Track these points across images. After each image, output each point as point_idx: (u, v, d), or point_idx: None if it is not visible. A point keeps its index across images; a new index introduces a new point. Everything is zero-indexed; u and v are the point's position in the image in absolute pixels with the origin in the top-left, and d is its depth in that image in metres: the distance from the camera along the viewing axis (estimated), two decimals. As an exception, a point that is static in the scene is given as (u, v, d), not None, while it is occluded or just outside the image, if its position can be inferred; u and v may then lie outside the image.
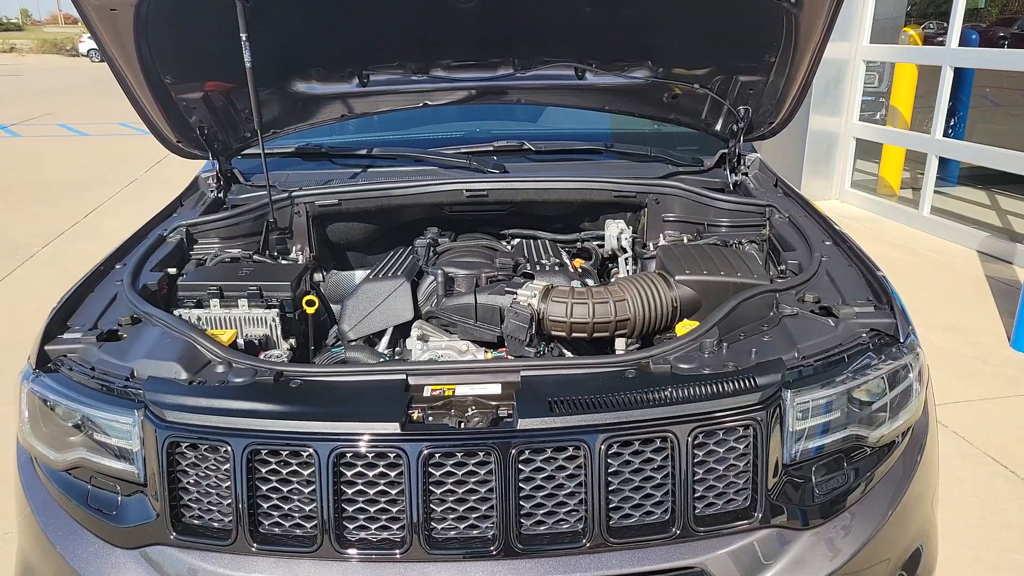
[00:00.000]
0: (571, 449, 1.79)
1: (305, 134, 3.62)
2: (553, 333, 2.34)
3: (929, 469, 2.17)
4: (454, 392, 1.95)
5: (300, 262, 2.93)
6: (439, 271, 2.49)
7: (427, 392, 1.95)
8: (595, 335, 2.33)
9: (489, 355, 2.37)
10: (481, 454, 1.78)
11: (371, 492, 1.81)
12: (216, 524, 1.86)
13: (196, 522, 1.88)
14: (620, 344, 2.34)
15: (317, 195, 3.00)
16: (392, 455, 1.79)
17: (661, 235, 3.04)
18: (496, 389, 1.96)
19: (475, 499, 1.80)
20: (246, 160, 3.39)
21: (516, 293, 2.34)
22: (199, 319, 2.48)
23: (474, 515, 1.81)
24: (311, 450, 1.79)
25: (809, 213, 2.85)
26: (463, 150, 3.25)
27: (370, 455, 1.80)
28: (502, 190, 3.01)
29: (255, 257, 2.80)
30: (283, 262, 2.85)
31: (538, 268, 2.59)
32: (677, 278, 2.37)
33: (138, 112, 2.87)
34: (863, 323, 2.12)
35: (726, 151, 3.21)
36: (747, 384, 1.88)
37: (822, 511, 1.92)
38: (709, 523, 1.84)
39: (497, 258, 2.64)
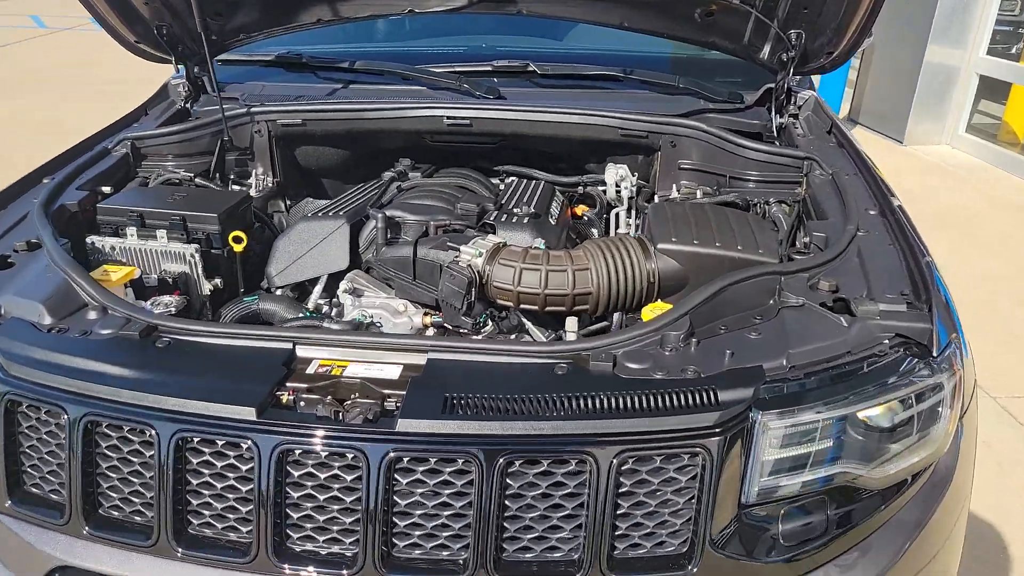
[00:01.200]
0: (461, 462, 1.42)
1: (291, 41, 3.24)
2: (499, 302, 1.93)
3: (951, 520, 1.70)
4: (343, 372, 1.59)
5: (259, 188, 2.59)
6: (379, 214, 2.09)
7: (312, 368, 1.60)
8: (549, 309, 1.91)
9: (428, 320, 1.99)
10: (349, 457, 1.43)
11: (218, 487, 1.50)
12: (55, 498, 1.60)
13: (36, 492, 1.62)
14: (571, 324, 1.91)
15: (279, 113, 2.63)
16: (244, 447, 1.46)
17: (674, 186, 2.54)
18: (395, 372, 1.59)
19: (339, 509, 1.46)
20: (230, 68, 3.04)
21: (458, 250, 1.94)
22: (112, 249, 2.19)
23: (336, 528, 1.47)
24: (153, 430, 1.48)
25: (861, 171, 2.29)
26: (457, 69, 2.79)
27: (219, 443, 1.48)
28: (488, 119, 2.56)
29: (198, 181, 2.47)
30: (224, 188, 2.51)
31: (504, 219, 2.16)
32: (659, 246, 1.90)
33: (83, 3, 2.54)
34: (887, 325, 1.63)
35: (773, 86, 2.64)
36: (703, 400, 1.45)
37: (785, 570, 1.50)
38: (629, 569, 1.45)
39: (461, 202, 2.22)
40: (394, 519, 1.46)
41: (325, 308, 2.07)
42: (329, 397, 1.52)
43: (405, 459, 1.43)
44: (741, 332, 1.66)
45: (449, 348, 1.60)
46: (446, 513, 1.45)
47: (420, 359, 1.60)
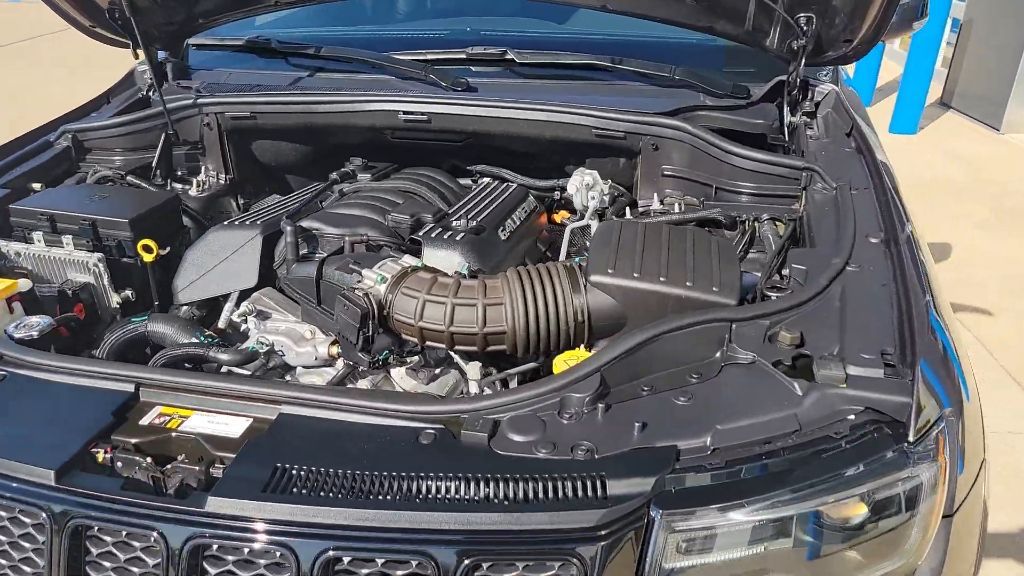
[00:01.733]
0: (277, 555, 1.16)
1: (276, 23, 3.01)
2: (404, 336, 1.65)
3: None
4: (181, 423, 1.35)
5: (202, 186, 2.38)
6: (290, 226, 1.84)
7: (150, 417, 1.37)
8: (458, 348, 1.62)
9: (335, 351, 1.73)
10: (150, 539, 1.19)
11: (16, 558, 1.28)
12: None
13: None
14: (472, 371, 1.61)
15: (227, 104, 2.40)
16: (30, 520, 1.24)
17: (655, 195, 2.19)
18: (240, 427, 1.35)
19: (142, 600, 1.23)
20: (203, 53, 2.84)
21: (360, 274, 1.66)
22: (18, 255, 2.01)
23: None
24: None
25: (876, 186, 1.90)
26: (429, 56, 2.50)
27: (15, 509, 1.26)
28: (447, 115, 2.26)
29: (129, 179, 2.28)
30: (162, 186, 2.30)
31: (434, 234, 1.87)
32: (591, 278, 1.58)
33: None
34: (854, 396, 1.28)
35: (785, 78, 2.25)
36: (586, 491, 1.16)
37: None
38: None
39: (393, 212, 1.94)
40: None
41: (244, 328, 1.84)
42: (149, 459, 1.29)
43: (214, 547, 1.18)
44: (668, 395, 1.33)
45: (304, 401, 1.34)
46: (264, 613, 1.19)
47: (271, 412, 1.34)
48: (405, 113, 2.28)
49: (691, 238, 1.68)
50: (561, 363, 1.50)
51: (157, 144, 2.42)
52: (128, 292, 2.01)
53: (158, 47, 2.66)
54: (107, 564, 1.23)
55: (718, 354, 1.42)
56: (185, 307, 1.96)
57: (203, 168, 2.47)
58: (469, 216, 1.99)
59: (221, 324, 1.88)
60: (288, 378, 1.78)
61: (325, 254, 1.83)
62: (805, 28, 2.07)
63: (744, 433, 1.25)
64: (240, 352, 1.71)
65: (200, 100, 2.41)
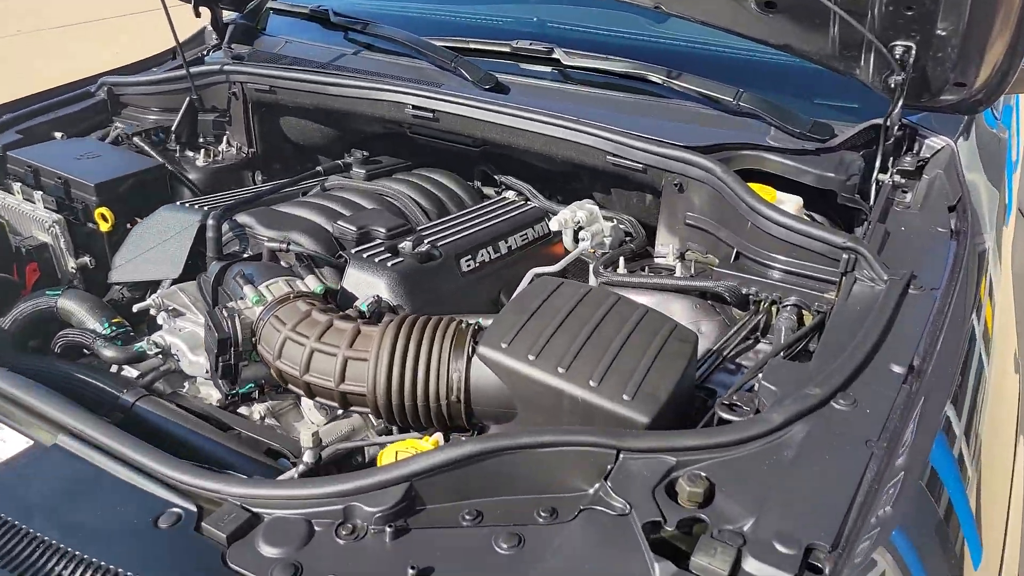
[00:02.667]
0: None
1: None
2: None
3: None
4: (-35, 429, 1.20)
5: (210, 157, 2.26)
6: (213, 219, 1.64)
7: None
8: (318, 400, 1.35)
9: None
10: None
11: None
12: None
13: None
14: (304, 437, 1.33)
15: (250, 75, 2.25)
16: None
17: (671, 246, 1.77)
18: (17, 446, 1.17)
19: None
20: (280, 18, 2.74)
21: (242, 289, 1.43)
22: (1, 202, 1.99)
23: None
24: None
25: (954, 290, 1.39)
26: (471, 44, 2.21)
27: None
28: (455, 116, 1.97)
29: (135, 140, 2.19)
30: (165, 152, 2.19)
31: (366, 254, 1.60)
32: (480, 349, 1.24)
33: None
34: None
35: (881, 122, 1.75)
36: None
37: None
38: None
39: (341, 220, 1.69)
40: None
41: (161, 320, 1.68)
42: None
43: None
44: (492, 534, 1.00)
45: (83, 434, 1.14)
46: None
47: (50, 438, 1.15)
48: (414, 108, 2.01)
49: (636, 319, 1.29)
50: (391, 455, 1.19)
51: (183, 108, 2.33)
52: (87, 259, 1.93)
53: (224, 6, 2.57)
54: None
55: (591, 489, 1.05)
56: (117, 287, 1.83)
57: (225, 139, 2.35)
58: (433, 236, 1.70)
59: (143, 305, 1.72)
60: (186, 386, 1.61)
61: (247, 255, 1.62)
62: (902, 60, 1.57)
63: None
64: (125, 351, 1.55)
65: (227, 67, 2.28)
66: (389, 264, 1.57)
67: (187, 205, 1.83)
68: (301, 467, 1.23)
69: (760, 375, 1.24)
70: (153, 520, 1.01)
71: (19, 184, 1.98)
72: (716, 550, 0.90)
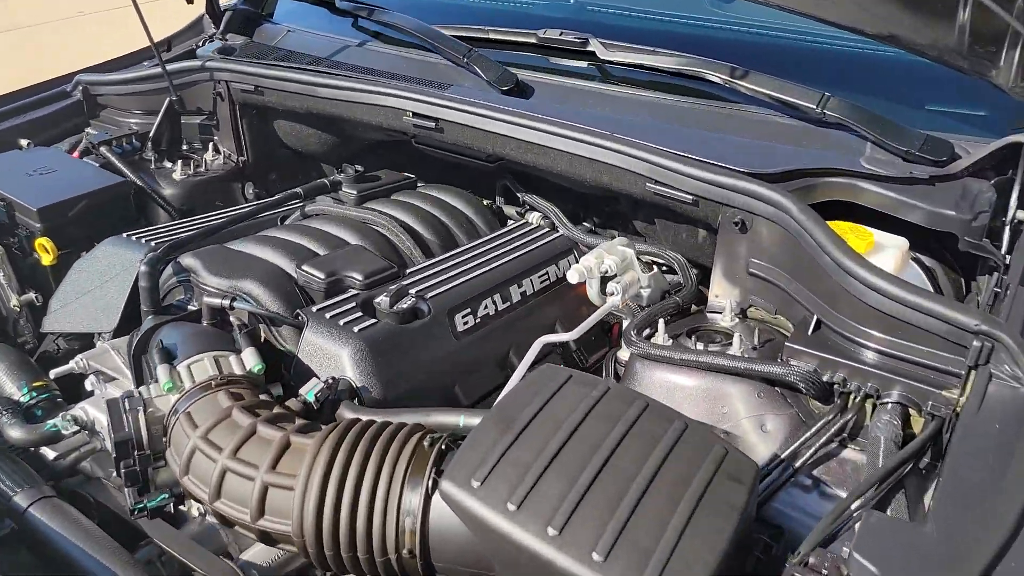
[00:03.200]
0: None
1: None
2: (188, 482, 1.07)
3: None
4: None
5: (188, 169, 1.94)
6: (145, 266, 1.31)
7: None
8: (240, 530, 1.01)
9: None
10: None
11: None
12: None
13: None
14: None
15: (233, 72, 1.92)
16: None
17: (730, 296, 1.37)
18: None
19: None
20: (292, 5, 2.40)
21: (156, 370, 1.10)
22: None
23: None
24: None
25: None
26: (490, 34, 1.83)
27: None
28: (460, 126, 1.60)
29: (103, 150, 1.88)
30: (118, 165, 1.86)
31: (329, 313, 1.25)
32: (443, 485, 0.88)
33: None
34: None
35: (1021, 139, 1.30)
36: None
37: None
38: None
39: (307, 264, 1.34)
40: None
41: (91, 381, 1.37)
42: None
43: None
44: None
45: None
46: None
47: None
48: (415, 116, 1.65)
49: (668, 446, 0.90)
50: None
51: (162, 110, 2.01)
52: (33, 295, 1.64)
53: (224, -10, 2.25)
54: None
55: None
56: (51, 337, 1.53)
57: (211, 145, 2.03)
58: (422, 284, 1.34)
59: (72, 364, 1.41)
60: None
61: (167, 316, 1.29)
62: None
63: None
64: (34, 430, 1.24)
65: (209, 64, 1.95)
66: (356, 328, 1.22)
67: (133, 238, 1.51)
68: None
69: (853, 538, 0.85)
70: None
71: (-40, 205, 1.71)
72: None
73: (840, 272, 1.15)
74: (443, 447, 0.94)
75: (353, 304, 1.29)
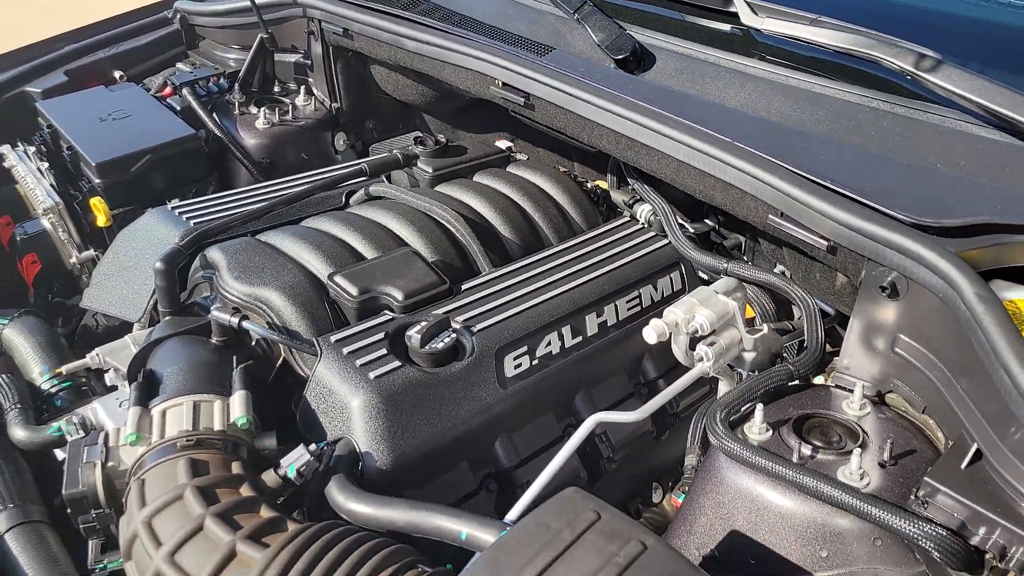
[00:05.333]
0: None
1: None
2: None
3: None
4: None
5: (272, 115, 1.76)
6: (163, 264, 1.15)
7: None
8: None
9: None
10: None
11: None
12: None
13: None
14: None
15: (325, 12, 1.70)
16: None
17: (866, 371, 1.02)
18: None
19: None
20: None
21: (127, 413, 0.94)
22: (13, 168, 1.66)
23: None
24: None
25: None
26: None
27: None
28: (552, 107, 1.30)
29: (184, 92, 1.74)
30: (199, 111, 1.70)
31: (347, 348, 1.04)
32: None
33: None
34: None
35: None
36: None
37: None
38: None
39: (342, 274, 1.13)
40: None
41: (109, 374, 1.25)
42: None
43: None
44: None
45: None
46: None
47: None
48: (504, 86, 1.37)
49: None
50: None
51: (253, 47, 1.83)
52: (93, 252, 1.55)
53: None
54: None
55: None
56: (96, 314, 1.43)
57: (302, 89, 1.85)
58: (470, 312, 1.11)
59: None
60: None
61: (174, 326, 1.13)
62: None
63: None
64: (37, 433, 1.14)
65: (303, 0, 1.74)
66: (374, 375, 1.01)
67: (178, 211, 1.36)
68: None
69: None
70: None
71: (35, 148, 1.63)
72: None
73: (1020, 400, 0.79)
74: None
75: (382, 335, 1.07)
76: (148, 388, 0.98)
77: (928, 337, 0.96)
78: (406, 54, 1.54)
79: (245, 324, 1.06)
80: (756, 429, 0.97)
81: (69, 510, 0.91)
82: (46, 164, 1.58)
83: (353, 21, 1.62)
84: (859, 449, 0.90)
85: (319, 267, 1.18)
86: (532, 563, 0.71)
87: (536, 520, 0.76)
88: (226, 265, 1.17)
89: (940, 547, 0.80)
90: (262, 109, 1.76)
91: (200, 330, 1.12)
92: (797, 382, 1.06)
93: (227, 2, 1.89)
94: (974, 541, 0.81)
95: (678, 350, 1.07)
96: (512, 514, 0.88)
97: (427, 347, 1.05)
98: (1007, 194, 0.99)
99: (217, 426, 0.93)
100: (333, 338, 1.06)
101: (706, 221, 1.45)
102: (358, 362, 1.03)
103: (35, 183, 1.57)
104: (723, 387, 1.14)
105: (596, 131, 1.25)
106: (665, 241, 1.36)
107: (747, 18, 1.30)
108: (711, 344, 1.04)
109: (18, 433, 1.15)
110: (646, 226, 1.41)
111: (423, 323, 1.07)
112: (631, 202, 1.48)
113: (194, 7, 1.93)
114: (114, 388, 1.20)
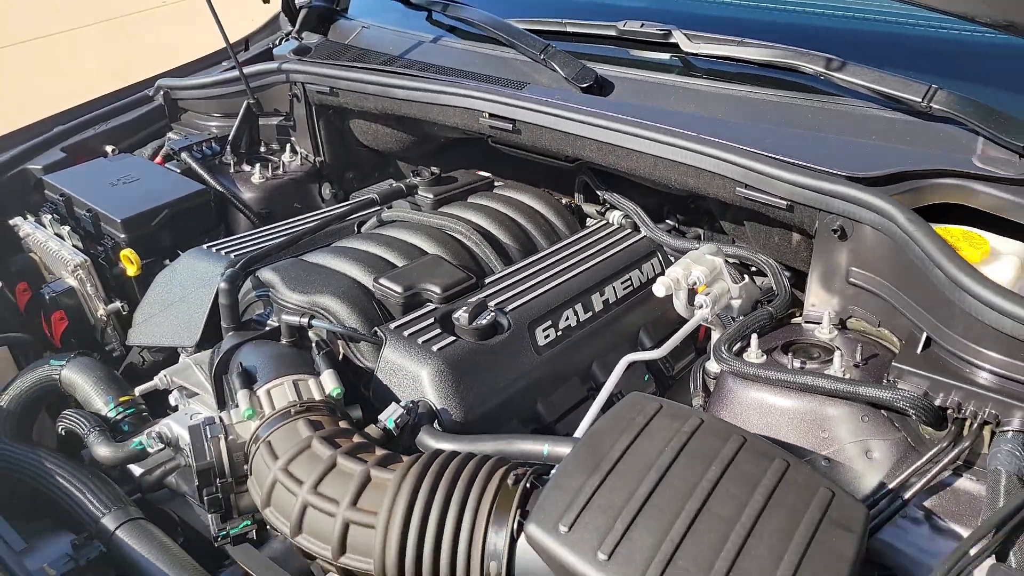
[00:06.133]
0: None
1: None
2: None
3: None
4: None
5: (269, 170, 1.94)
6: (225, 283, 1.31)
7: None
8: (309, 560, 1.00)
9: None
10: None
11: None
12: None
13: None
14: None
15: (309, 75, 1.91)
16: None
17: (829, 313, 1.28)
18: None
19: None
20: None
21: (236, 395, 1.10)
22: (28, 236, 1.77)
23: None
24: None
25: None
26: (567, 26, 1.76)
27: None
28: (537, 128, 1.54)
29: (183, 156, 1.90)
30: (200, 171, 1.87)
31: (407, 331, 1.22)
32: (529, 528, 0.84)
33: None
34: None
35: None
36: None
37: None
38: None
39: (384, 277, 1.32)
40: None
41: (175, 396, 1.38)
42: None
43: None
44: None
45: None
46: None
47: None
48: (491, 116, 1.60)
49: (769, 488, 0.84)
50: None
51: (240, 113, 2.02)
52: (119, 304, 1.67)
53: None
54: None
55: None
56: (137, 348, 1.56)
57: (287, 147, 2.04)
58: (500, 296, 1.31)
59: (157, 381, 1.43)
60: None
61: (275, 325, 1.29)
62: None
63: None
64: (121, 449, 1.26)
65: (284, 66, 1.95)
66: (436, 347, 1.19)
67: (213, 249, 1.52)
68: None
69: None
70: None
71: (50, 216, 1.75)
72: None
73: (953, 287, 1.05)
74: (528, 485, 0.90)
75: (432, 320, 1.26)
76: (246, 377, 1.13)
77: (874, 265, 1.22)
78: (394, 102, 1.76)
79: (314, 323, 1.23)
80: (753, 355, 1.20)
81: (197, 483, 1.04)
82: (67, 228, 1.70)
83: (340, 79, 1.84)
84: (840, 350, 1.14)
85: (361, 275, 1.36)
86: (619, 440, 0.90)
87: (613, 414, 0.95)
88: (280, 281, 1.34)
89: (913, 406, 1.04)
90: (256, 166, 1.93)
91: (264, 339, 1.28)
92: (776, 320, 1.30)
93: (211, 75, 2.07)
94: (937, 402, 1.06)
95: (679, 304, 1.30)
96: (579, 434, 1.07)
97: (474, 324, 1.24)
98: (911, 153, 1.28)
99: (317, 397, 1.09)
100: (391, 327, 1.24)
101: (667, 221, 1.71)
102: (420, 340, 1.21)
103: (58, 245, 1.68)
104: (715, 335, 1.37)
105: (579, 143, 1.49)
106: (641, 236, 1.60)
107: (685, 46, 1.59)
108: (707, 294, 1.27)
109: (101, 451, 1.27)
110: (619, 227, 1.65)
111: (465, 307, 1.27)
112: (603, 210, 1.73)
113: (178, 83, 2.10)
114: (175, 408, 1.33)
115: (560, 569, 0.81)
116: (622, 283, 1.48)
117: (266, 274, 1.37)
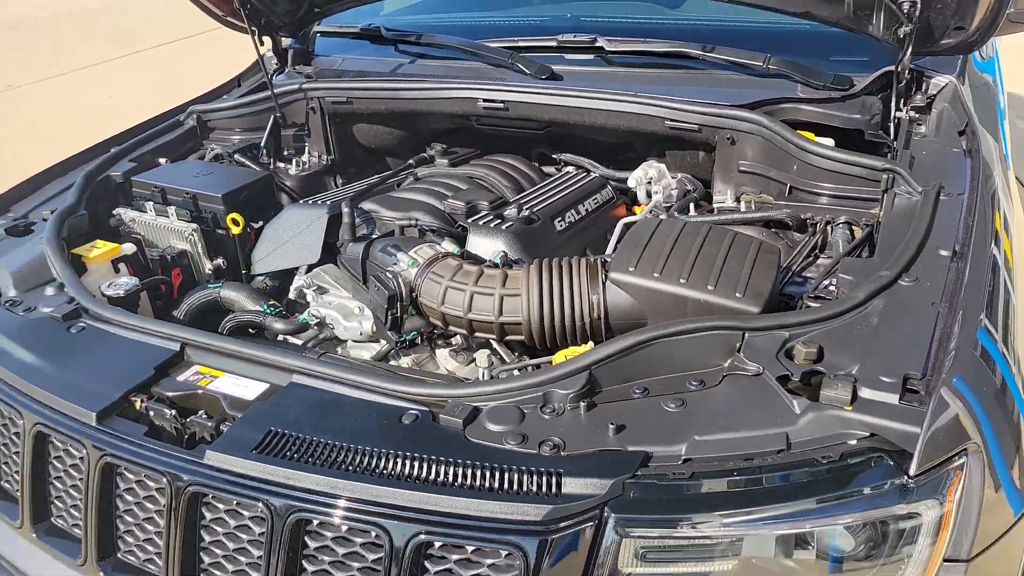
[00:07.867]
0: (259, 509, 1.26)
1: (397, 12, 3.16)
2: (431, 319, 1.70)
3: None
4: (210, 383, 1.49)
5: (299, 166, 2.55)
6: (346, 208, 1.94)
7: (187, 374, 1.52)
8: (477, 335, 1.65)
9: (373, 328, 1.82)
10: (163, 480, 1.33)
11: (66, 485, 1.48)
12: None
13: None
14: (482, 359, 1.62)
15: (327, 89, 2.55)
16: (78, 453, 1.43)
17: (730, 191, 2.09)
18: (257, 390, 1.46)
19: (155, 531, 1.38)
20: (328, 40, 3.03)
21: (396, 256, 1.73)
22: (132, 221, 2.27)
23: (152, 550, 1.39)
24: (21, 418, 1.50)
25: (976, 195, 1.71)
26: (520, 43, 2.52)
27: (62, 443, 1.46)
28: (524, 104, 2.27)
29: (236, 157, 2.48)
30: (263, 166, 2.47)
31: (483, 221, 1.90)
32: (611, 275, 1.55)
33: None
34: (855, 420, 1.19)
35: (893, 68, 2.07)
36: (538, 486, 1.16)
37: None
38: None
39: (450, 198, 2.00)
40: (201, 555, 1.34)
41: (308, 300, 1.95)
42: (174, 411, 1.43)
43: (209, 494, 1.30)
44: (659, 400, 1.30)
45: (311, 372, 1.43)
46: (245, 561, 1.30)
47: (285, 379, 1.45)
48: (484, 101, 2.32)
49: (729, 240, 1.60)
50: (561, 358, 1.49)
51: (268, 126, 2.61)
52: (220, 260, 2.21)
53: (283, 34, 2.86)
54: (130, 498, 1.39)
55: (727, 363, 1.36)
56: (260, 277, 2.12)
57: (306, 149, 2.64)
58: (527, 205, 2.01)
59: (292, 294, 2.01)
60: (340, 351, 1.90)
61: (377, 235, 1.92)
62: (909, 13, 1.89)
63: (725, 446, 1.19)
64: (292, 322, 1.84)
65: (305, 86, 2.57)
66: (503, 228, 1.88)
67: (311, 203, 2.12)
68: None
69: (836, 269, 1.55)
70: (397, 419, 1.30)
71: (150, 203, 2.26)
72: (837, 386, 1.21)
73: (802, 152, 1.88)
74: (604, 261, 1.61)
75: (491, 217, 1.94)
76: (396, 249, 1.76)
77: (753, 156, 2.04)
78: (402, 101, 2.43)
79: (419, 223, 1.88)
80: (693, 214, 1.98)
81: (385, 306, 1.65)
82: (172, 208, 2.22)
83: (355, 90, 2.49)
84: (743, 203, 1.94)
85: (431, 201, 2.03)
86: (647, 230, 1.63)
87: (638, 224, 1.68)
88: (381, 206, 1.98)
89: (791, 218, 1.84)
90: (292, 162, 2.53)
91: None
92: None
93: (232, 98, 2.65)
94: (802, 216, 1.86)
95: (641, 194, 2.07)
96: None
97: (520, 215, 1.93)
98: (763, 93, 2.12)
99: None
100: (470, 221, 1.91)
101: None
102: (491, 225, 1.89)
103: (168, 222, 2.20)
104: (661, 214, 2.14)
105: (554, 110, 2.24)
106: (594, 175, 2.36)
107: (608, 47, 2.39)
108: (658, 183, 2.04)
109: (279, 325, 1.83)
110: (576, 173, 2.41)
111: (512, 207, 1.96)
112: (560, 167, 2.48)
113: (209, 107, 2.65)
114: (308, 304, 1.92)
115: (633, 288, 1.51)
116: (592, 200, 2.22)
117: (369, 204, 2.00)
